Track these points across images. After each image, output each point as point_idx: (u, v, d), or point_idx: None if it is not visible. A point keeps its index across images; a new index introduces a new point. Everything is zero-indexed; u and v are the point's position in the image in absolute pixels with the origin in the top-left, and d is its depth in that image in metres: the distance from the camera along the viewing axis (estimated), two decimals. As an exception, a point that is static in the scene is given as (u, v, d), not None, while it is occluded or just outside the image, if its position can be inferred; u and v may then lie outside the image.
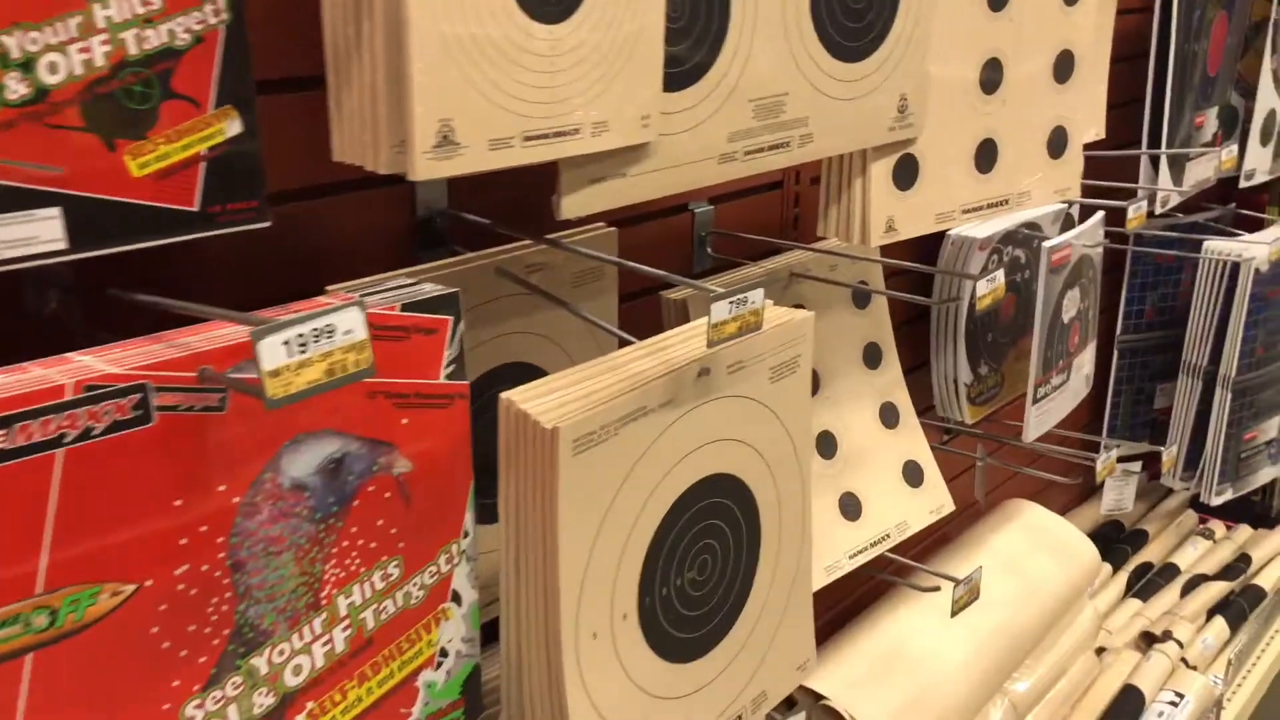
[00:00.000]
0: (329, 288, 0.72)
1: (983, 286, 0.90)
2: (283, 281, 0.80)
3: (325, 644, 0.65)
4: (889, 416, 1.16)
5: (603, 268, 0.93)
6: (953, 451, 1.43)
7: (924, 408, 1.33)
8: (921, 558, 1.61)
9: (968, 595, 1.05)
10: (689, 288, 0.89)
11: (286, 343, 0.45)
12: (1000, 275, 0.92)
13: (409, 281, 0.67)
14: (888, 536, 1.11)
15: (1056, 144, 0.97)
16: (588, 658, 0.70)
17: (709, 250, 1.13)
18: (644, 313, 1.04)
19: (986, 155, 0.92)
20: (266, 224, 0.63)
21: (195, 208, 0.60)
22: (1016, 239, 1.19)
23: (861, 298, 1.13)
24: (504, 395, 0.67)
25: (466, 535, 0.70)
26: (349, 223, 0.85)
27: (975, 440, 1.41)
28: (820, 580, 1.06)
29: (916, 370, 1.28)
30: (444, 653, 0.71)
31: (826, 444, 1.10)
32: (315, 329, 0.46)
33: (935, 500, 1.16)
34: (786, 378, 0.81)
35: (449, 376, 0.66)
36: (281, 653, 0.63)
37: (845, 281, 1.07)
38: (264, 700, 0.63)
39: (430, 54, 0.53)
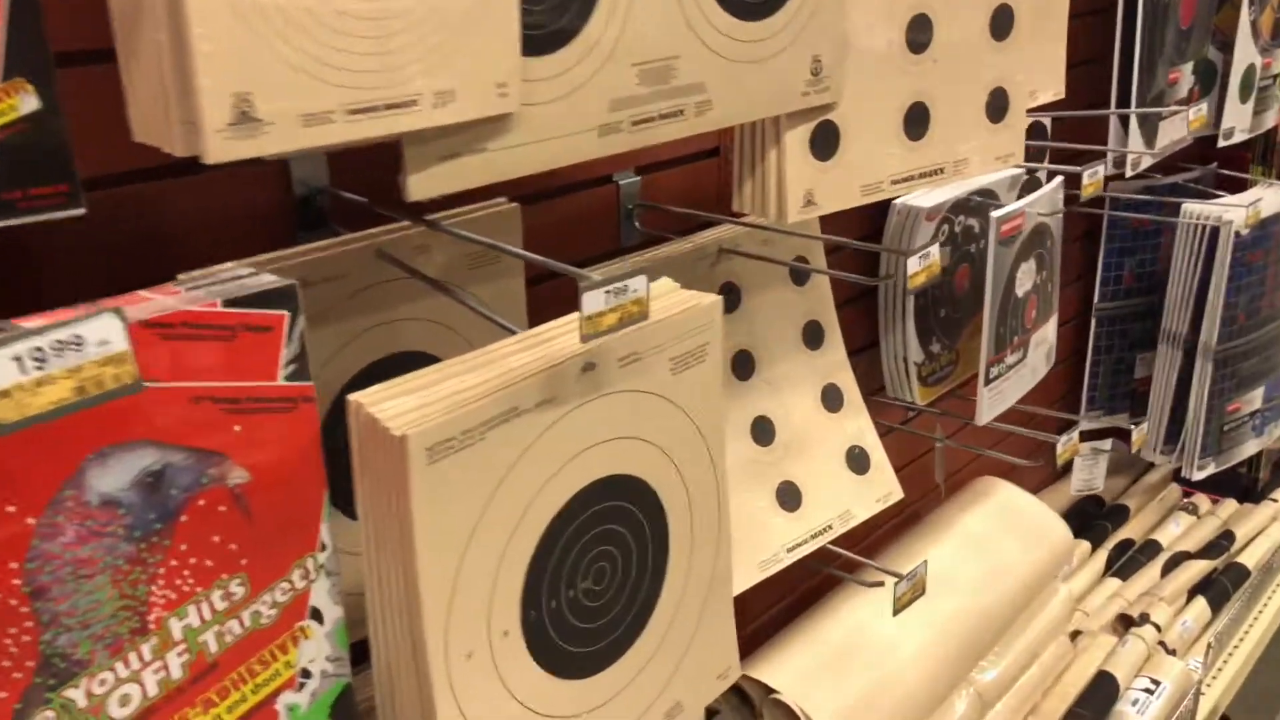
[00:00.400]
0: (180, 276, 0.66)
1: (914, 264, 0.84)
2: (137, 269, 0.73)
3: (158, 671, 0.59)
4: (832, 399, 1.09)
5: (505, 244, 0.87)
6: (914, 433, 1.36)
7: (876, 388, 1.27)
8: (886, 540, 1.55)
9: (910, 592, 0.99)
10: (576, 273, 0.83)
11: (18, 358, 0.39)
12: (934, 251, 0.85)
13: (249, 272, 0.61)
14: (830, 528, 1.05)
15: (996, 107, 0.90)
16: (462, 679, 0.65)
17: (636, 225, 1.06)
18: (563, 296, 0.97)
19: (917, 120, 0.85)
20: (80, 211, 0.56)
21: (-11, 194, 0.53)
22: (968, 207, 1.12)
23: (800, 274, 1.06)
24: (352, 397, 0.60)
25: (324, 549, 0.64)
26: (218, 203, 0.78)
27: (935, 420, 1.34)
28: (754, 576, 1.00)
29: (867, 350, 1.22)
30: (306, 674, 0.65)
31: (762, 430, 1.04)
32: (58, 341, 0.40)
33: (882, 488, 1.10)
34: (692, 368, 0.75)
35: (290, 378, 0.60)
36: (103, 683, 0.57)
37: (779, 258, 1.00)
38: (86, 736, 0.57)
39: (216, 18, 0.46)
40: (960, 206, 1.11)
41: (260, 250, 0.75)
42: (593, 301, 0.60)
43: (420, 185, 0.58)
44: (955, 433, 1.50)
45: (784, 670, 1.25)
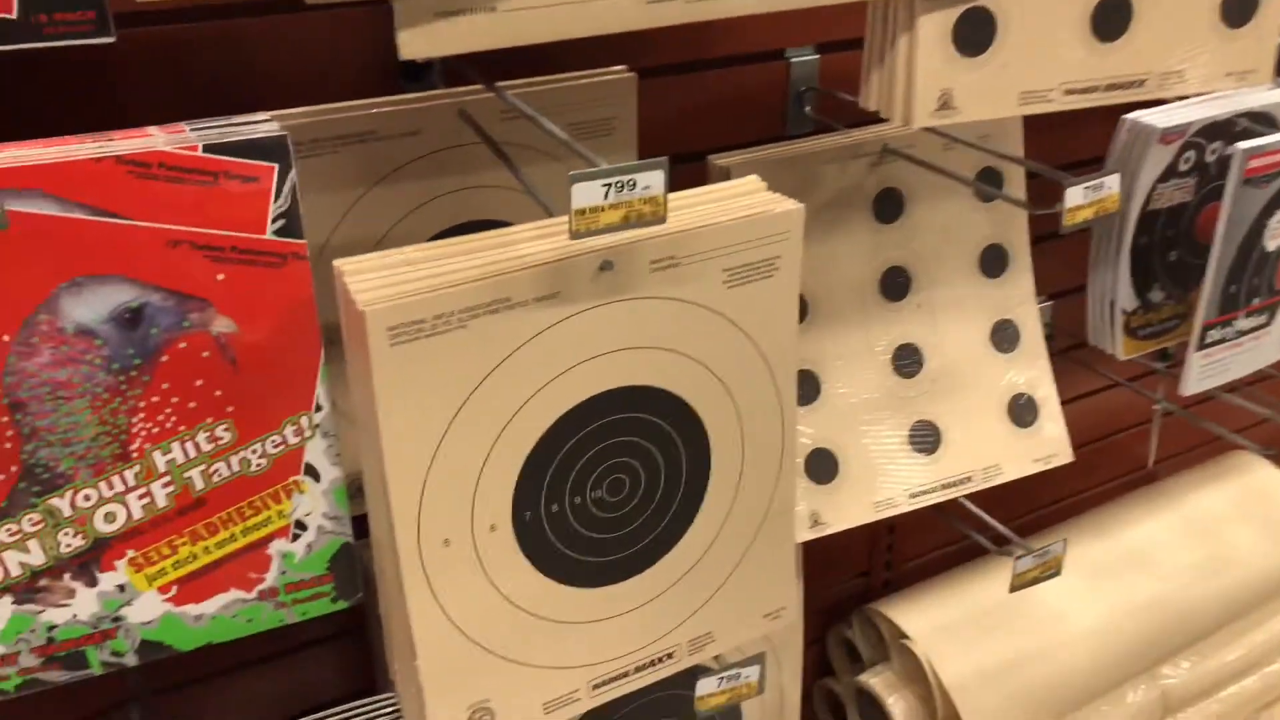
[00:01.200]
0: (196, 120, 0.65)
1: (1076, 195, 0.68)
2: (231, 101, 0.74)
3: (142, 496, 0.61)
4: (1005, 338, 0.95)
5: (615, 119, 0.80)
6: (1139, 391, 1.17)
7: (1076, 343, 1.10)
8: (1092, 502, 1.37)
9: (1037, 571, 0.86)
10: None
11: None
12: (1111, 183, 0.69)
13: (264, 119, 0.59)
14: (968, 479, 0.93)
15: (1236, 4, 0.70)
16: (437, 564, 0.63)
17: (807, 110, 0.95)
18: (689, 180, 0.89)
19: (1111, 15, 0.68)
20: (109, 39, 0.56)
21: (14, 15, 0.54)
22: (1229, 132, 0.91)
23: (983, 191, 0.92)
24: (337, 262, 0.58)
25: (320, 409, 0.63)
26: (323, 45, 0.77)
27: (1160, 383, 1.14)
28: (866, 515, 0.91)
29: (1077, 293, 1.05)
30: (301, 525, 0.66)
31: (907, 359, 0.92)
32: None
33: (1047, 447, 0.95)
34: (754, 282, 0.66)
35: (279, 233, 0.58)
36: (87, 498, 0.60)
37: (952, 169, 0.87)
38: (72, 540, 0.61)
39: None
40: (1215, 129, 0.91)
41: (359, 97, 0.73)
42: (585, 194, 0.53)
43: (414, 43, 0.53)
44: (1192, 405, 1.28)
45: (921, 617, 1.15)
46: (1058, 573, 0.88)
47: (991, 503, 0.96)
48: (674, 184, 0.77)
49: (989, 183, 0.92)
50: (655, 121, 0.89)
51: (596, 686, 0.71)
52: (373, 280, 0.56)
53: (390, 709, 0.75)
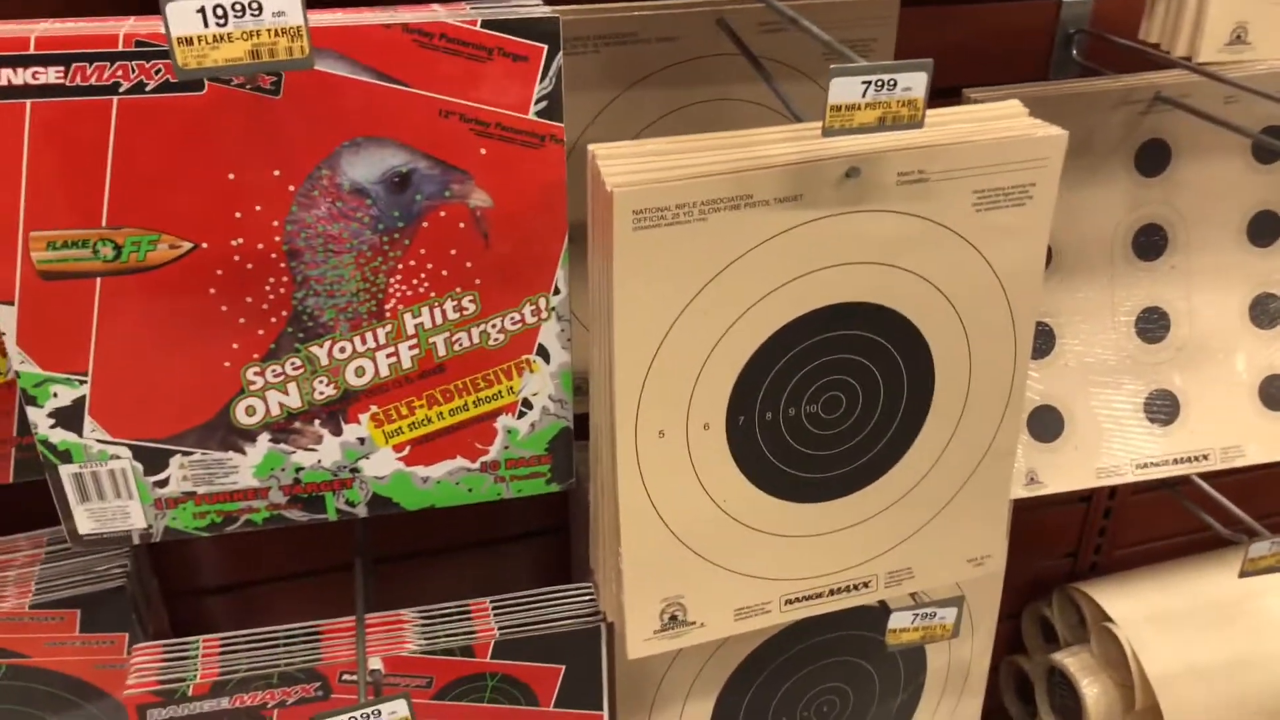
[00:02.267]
0: None
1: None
2: None
3: (390, 355, 0.66)
4: (1266, 312, 0.88)
5: (874, 41, 0.79)
6: None
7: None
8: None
9: (1275, 559, 0.80)
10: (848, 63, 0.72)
11: (202, 11, 0.43)
12: None
13: (530, 2, 0.61)
14: (1205, 458, 0.87)
15: None
16: (650, 454, 0.64)
17: (1074, 54, 0.91)
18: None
19: None
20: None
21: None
22: None
23: (1265, 150, 0.85)
24: (592, 146, 0.60)
25: (558, 293, 0.66)
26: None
27: None
28: (1087, 480, 0.87)
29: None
30: (527, 404, 0.69)
31: (1153, 323, 0.87)
32: (239, 4, 0.44)
33: (1301, 434, 0.88)
34: (1005, 209, 0.64)
35: (540, 114, 0.60)
36: (342, 350, 0.65)
37: (1234, 122, 0.81)
38: (325, 389, 0.66)
39: None
40: None
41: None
42: (844, 89, 0.53)
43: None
44: None
45: (1129, 602, 1.10)
46: (1298, 567, 0.82)
47: (1234, 495, 0.90)
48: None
49: (1273, 141, 0.85)
50: (913, 52, 0.87)
51: (789, 602, 0.72)
52: (623, 165, 0.58)
53: (587, 597, 0.78)
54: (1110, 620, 1.08)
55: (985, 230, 0.64)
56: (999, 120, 0.64)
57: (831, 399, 0.67)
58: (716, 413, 0.65)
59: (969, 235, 0.64)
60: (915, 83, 0.54)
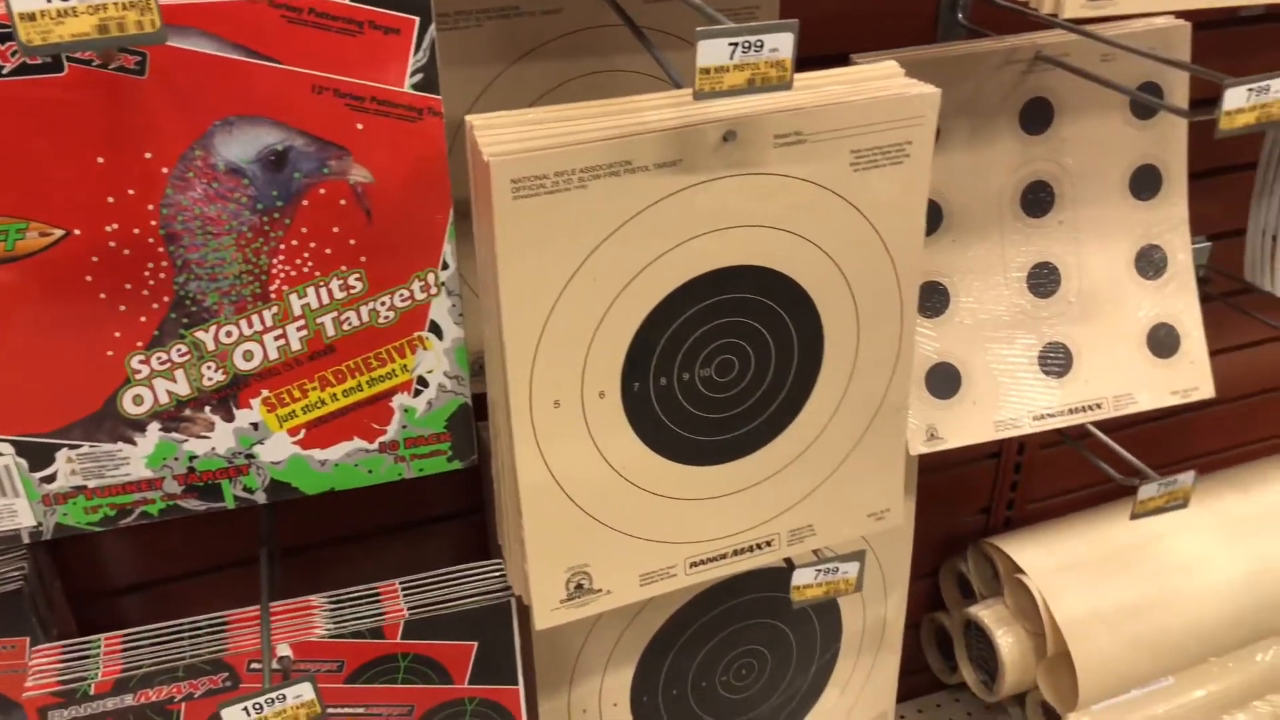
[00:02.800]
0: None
1: (1236, 96, 0.64)
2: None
3: (278, 338, 0.65)
4: (1151, 264, 0.91)
5: (757, 9, 0.80)
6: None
7: (1236, 287, 1.04)
8: (1248, 459, 1.31)
9: (1161, 500, 0.83)
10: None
11: (41, -17, 0.42)
12: (1277, 86, 0.65)
13: (404, -25, 0.61)
14: (1097, 406, 0.90)
15: None
16: (546, 424, 0.65)
17: (960, 18, 0.92)
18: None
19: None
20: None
21: None
22: None
23: (1143, 106, 0.87)
24: (469, 117, 0.60)
25: (446, 267, 0.66)
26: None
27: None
28: (986, 433, 0.89)
29: (1236, 235, 0.99)
30: (423, 382, 0.69)
31: (1044, 278, 0.89)
32: (83, -25, 0.43)
33: (1187, 379, 0.91)
34: (883, 167, 0.65)
35: (416, 87, 0.60)
36: (229, 334, 0.64)
37: (1111, 79, 0.83)
38: (214, 375, 0.65)
39: None
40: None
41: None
42: (712, 51, 0.53)
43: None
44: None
45: (1039, 553, 1.13)
46: (1184, 504, 0.85)
47: (1131, 448, 0.93)
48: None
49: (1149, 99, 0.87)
50: (798, 20, 0.87)
51: (693, 565, 0.73)
52: (501, 135, 0.58)
53: (497, 573, 0.78)
54: (1021, 571, 1.11)
55: (865, 189, 0.65)
56: (875, 81, 0.65)
57: (724, 362, 0.68)
58: (611, 380, 0.65)
59: (849, 195, 0.65)
60: (782, 43, 0.54)
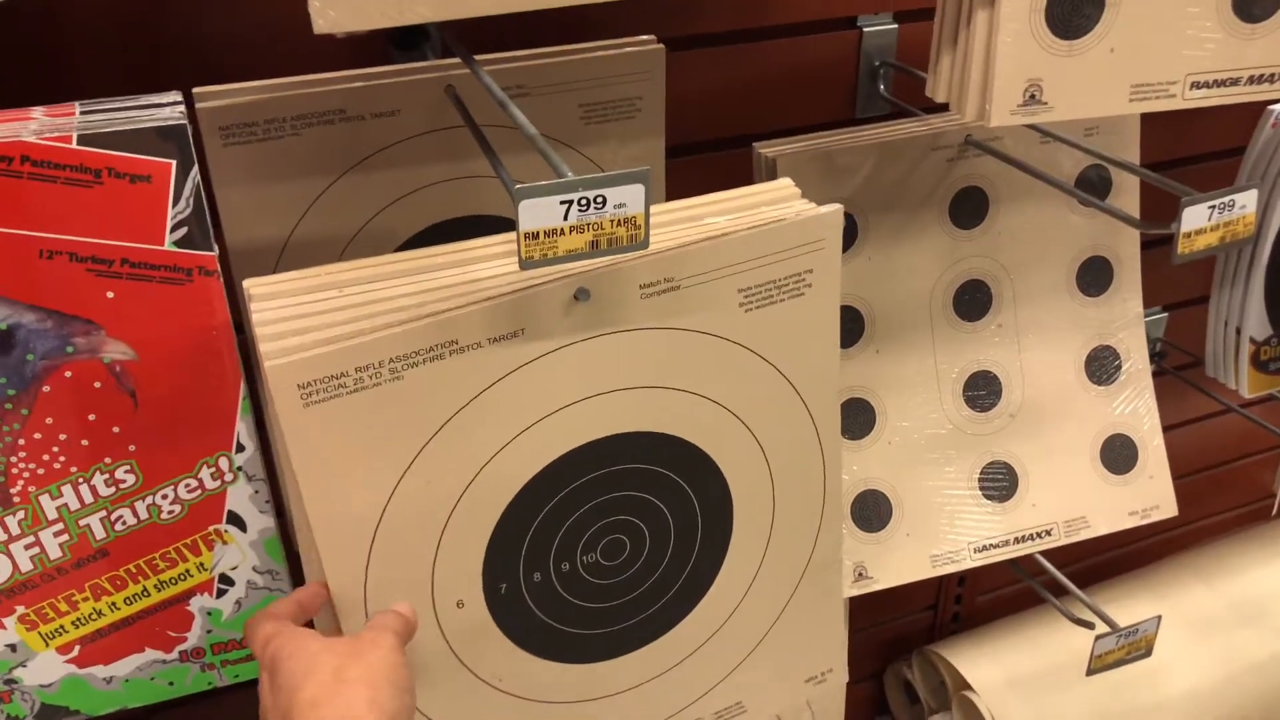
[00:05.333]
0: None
1: (1196, 215, 0.53)
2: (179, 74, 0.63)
3: (30, 546, 0.52)
4: (1102, 367, 0.80)
5: (640, 99, 0.67)
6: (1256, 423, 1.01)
7: (1187, 362, 0.94)
8: (1203, 535, 1.21)
9: (1121, 652, 0.72)
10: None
11: None
12: (1246, 201, 0.54)
13: (166, 100, 0.48)
14: (1047, 533, 0.79)
15: None
16: (377, 644, 0.52)
17: (882, 89, 0.81)
18: (725, 166, 0.76)
19: (1261, -11, 0.52)
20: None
21: None
22: (1402, 132, 0.74)
23: (1087, 190, 0.76)
24: (246, 282, 0.47)
25: (242, 449, 0.53)
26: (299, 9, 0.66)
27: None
28: (922, 570, 0.78)
29: (1191, 306, 0.89)
30: (227, 580, 0.56)
31: (981, 388, 0.78)
32: None
33: (1147, 498, 0.80)
34: (780, 303, 0.53)
35: (180, 243, 0.47)
36: (-37, 547, 0.51)
37: (1046, 171, 0.72)
38: (-50, 595, 0.52)
39: None
40: (1384, 127, 0.74)
41: (338, 67, 0.62)
42: (537, 213, 0.41)
43: (327, 13, 0.41)
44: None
45: (988, 665, 1.02)
46: (1148, 654, 0.74)
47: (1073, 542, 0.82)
48: (713, 175, 0.65)
49: (1093, 182, 0.77)
50: (695, 101, 0.76)
51: (592, 776, 0.61)
52: (285, 313, 0.45)
53: None
54: (969, 688, 1.00)
55: (760, 330, 0.53)
56: (765, 207, 0.53)
57: (612, 543, 0.56)
58: (470, 587, 0.53)
59: (741, 339, 0.53)
60: (631, 197, 0.42)
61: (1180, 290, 1.01)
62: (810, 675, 0.66)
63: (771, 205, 0.53)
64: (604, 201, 0.42)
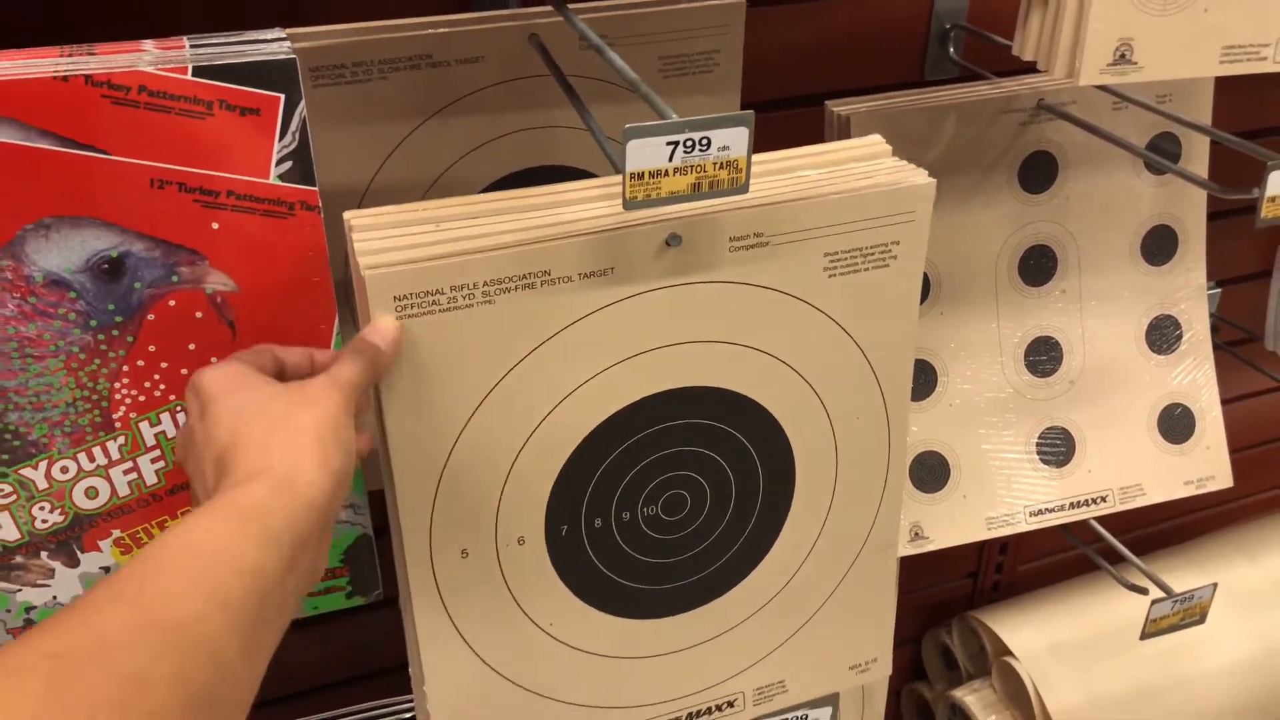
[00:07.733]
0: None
1: (1278, 182, 0.54)
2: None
3: (128, 471, 0.53)
4: (1163, 336, 0.80)
5: (718, 53, 0.68)
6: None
7: (1240, 338, 0.94)
8: (1252, 513, 1.21)
9: (1175, 618, 0.73)
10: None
11: None
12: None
13: (271, 37, 0.49)
14: (1103, 500, 0.80)
15: None
16: (451, 574, 0.53)
17: (951, 52, 0.81)
18: (806, 123, 0.76)
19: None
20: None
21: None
22: None
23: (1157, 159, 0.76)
24: (347, 214, 0.48)
25: (333, 383, 0.54)
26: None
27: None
28: (977, 533, 0.78)
29: (1252, 280, 0.89)
30: (312, 512, 0.58)
31: (1043, 354, 0.78)
32: None
33: (1203, 467, 0.81)
34: (864, 271, 0.54)
35: (284, 177, 0.48)
36: (64, 470, 0.52)
37: (1120, 136, 0.72)
38: (49, 516, 0.53)
39: None
40: None
41: (421, 13, 0.63)
42: (643, 154, 0.42)
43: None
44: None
45: (1030, 632, 1.03)
46: (1201, 620, 0.75)
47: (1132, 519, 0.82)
48: (784, 134, 0.66)
49: (1165, 150, 0.76)
50: (768, 59, 0.76)
51: (640, 728, 0.62)
52: (385, 239, 0.46)
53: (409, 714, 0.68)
54: (1010, 654, 1.01)
55: (840, 297, 0.54)
56: (856, 163, 0.54)
57: (674, 498, 0.57)
58: (532, 525, 0.54)
59: (822, 304, 0.54)
60: (735, 140, 0.43)
61: (1233, 266, 1.01)
62: (855, 663, 0.66)
63: (862, 161, 0.54)
64: (709, 144, 0.43)
